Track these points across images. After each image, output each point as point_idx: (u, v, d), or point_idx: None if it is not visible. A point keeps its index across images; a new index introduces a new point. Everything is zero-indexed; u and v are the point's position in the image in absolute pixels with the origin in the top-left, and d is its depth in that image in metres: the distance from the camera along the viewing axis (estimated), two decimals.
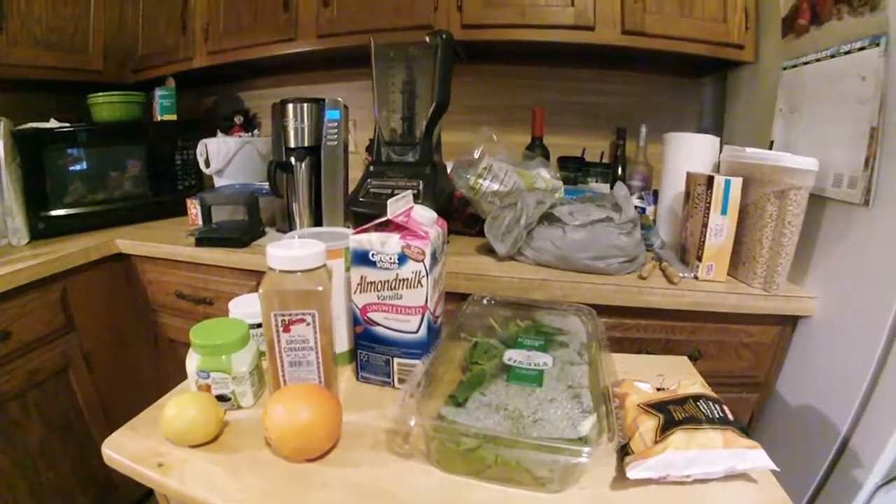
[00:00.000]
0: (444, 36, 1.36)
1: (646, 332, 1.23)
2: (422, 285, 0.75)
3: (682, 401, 0.67)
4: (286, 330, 0.68)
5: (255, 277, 1.44)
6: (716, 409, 0.65)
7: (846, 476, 1.01)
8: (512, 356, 0.74)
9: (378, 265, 0.75)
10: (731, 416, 0.65)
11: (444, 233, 0.85)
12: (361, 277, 0.77)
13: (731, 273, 1.24)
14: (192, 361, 0.73)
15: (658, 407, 0.66)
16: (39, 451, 1.39)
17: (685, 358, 0.96)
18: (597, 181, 1.79)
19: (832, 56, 1.11)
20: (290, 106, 1.45)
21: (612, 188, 1.68)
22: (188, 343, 0.76)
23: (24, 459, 1.35)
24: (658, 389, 0.73)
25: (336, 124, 1.42)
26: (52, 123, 1.61)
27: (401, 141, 1.47)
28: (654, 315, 1.21)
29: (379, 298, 0.77)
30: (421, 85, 1.44)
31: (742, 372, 1.24)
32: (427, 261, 0.74)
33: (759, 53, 1.52)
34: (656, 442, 0.61)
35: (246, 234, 1.50)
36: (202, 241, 1.47)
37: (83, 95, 1.85)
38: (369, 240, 0.75)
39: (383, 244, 0.74)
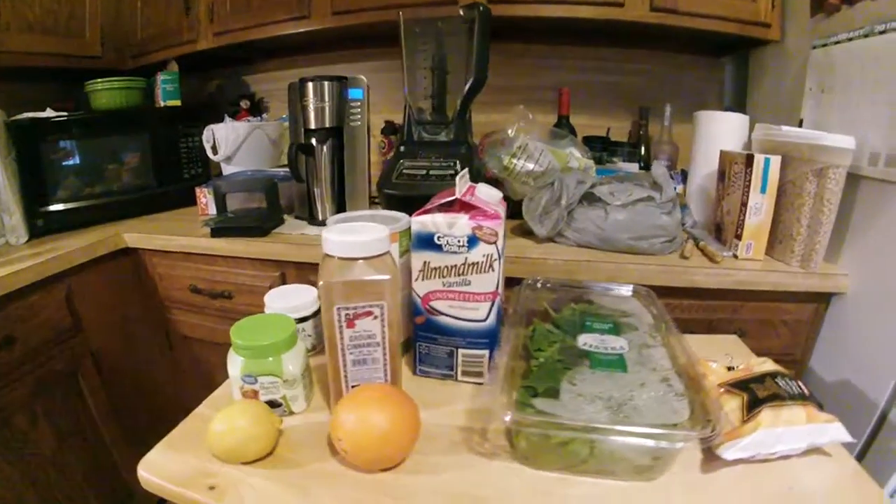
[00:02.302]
0: (481, 8, 1.28)
1: (689, 312, 1.21)
2: (493, 269, 0.68)
3: (760, 378, 0.66)
4: (350, 325, 0.60)
5: (277, 268, 1.38)
6: (793, 385, 0.65)
7: (886, 448, 1.01)
8: (586, 340, 0.69)
9: (445, 249, 0.68)
10: (807, 392, 0.65)
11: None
12: (424, 263, 0.70)
13: (769, 252, 1.23)
14: (235, 365, 0.65)
15: (740, 386, 0.66)
16: (50, 461, 1.31)
17: (735, 336, 0.96)
18: (623, 160, 1.75)
19: (865, 36, 1.09)
20: (311, 85, 1.37)
21: (641, 167, 1.68)
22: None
23: (35, 470, 1.27)
24: (728, 369, 0.73)
25: (359, 104, 1.36)
26: (49, 113, 1.52)
27: (430, 120, 1.40)
28: (696, 295, 1.19)
29: (444, 286, 0.70)
30: (452, 61, 1.37)
31: (780, 350, 1.22)
32: (500, 243, 0.67)
33: (784, 32, 1.50)
34: (744, 421, 0.61)
35: (266, 222, 1.42)
36: (219, 230, 1.39)
37: (80, 83, 1.76)
38: (434, 221, 0.67)
39: (451, 226, 0.67)
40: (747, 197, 1.18)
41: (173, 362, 1.65)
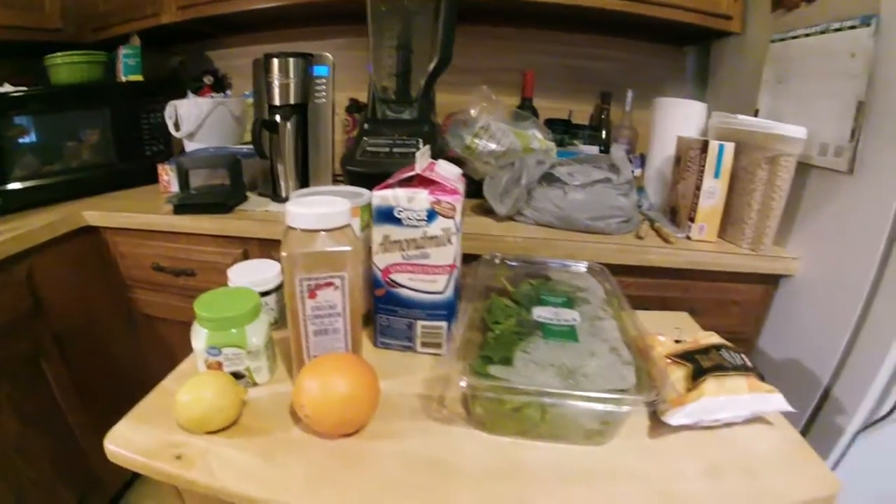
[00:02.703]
0: None
1: (643, 290, 1.25)
2: (451, 243, 0.71)
3: (705, 350, 0.70)
4: (312, 296, 0.62)
5: (241, 245, 1.36)
6: (736, 357, 0.69)
7: (829, 422, 1.08)
8: (540, 313, 0.72)
9: (404, 223, 0.70)
10: (749, 364, 0.68)
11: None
12: (384, 237, 0.72)
13: (721, 234, 1.28)
14: (200, 337, 0.66)
15: (686, 357, 0.69)
16: (15, 448, 1.28)
17: (685, 313, 1.01)
18: (584, 143, 1.78)
19: (822, 32, 1.15)
20: (276, 61, 1.35)
21: (601, 150, 1.71)
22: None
23: (1, 459, 1.24)
24: (676, 342, 0.75)
25: (324, 81, 1.36)
26: (7, 88, 1.47)
27: (395, 99, 1.39)
28: (650, 273, 1.24)
29: (404, 258, 0.72)
30: (417, 41, 1.36)
31: (729, 328, 1.25)
32: (457, 217, 0.69)
33: (745, 25, 1.55)
34: (689, 390, 0.64)
35: (230, 198, 1.41)
36: (182, 207, 1.37)
37: (39, 57, 1.69)
38: (395, 196, 0.69)
39: (410, 200, 0.69)
40: (701, 181, 1.22)
41: (136, 342, 1.62)
